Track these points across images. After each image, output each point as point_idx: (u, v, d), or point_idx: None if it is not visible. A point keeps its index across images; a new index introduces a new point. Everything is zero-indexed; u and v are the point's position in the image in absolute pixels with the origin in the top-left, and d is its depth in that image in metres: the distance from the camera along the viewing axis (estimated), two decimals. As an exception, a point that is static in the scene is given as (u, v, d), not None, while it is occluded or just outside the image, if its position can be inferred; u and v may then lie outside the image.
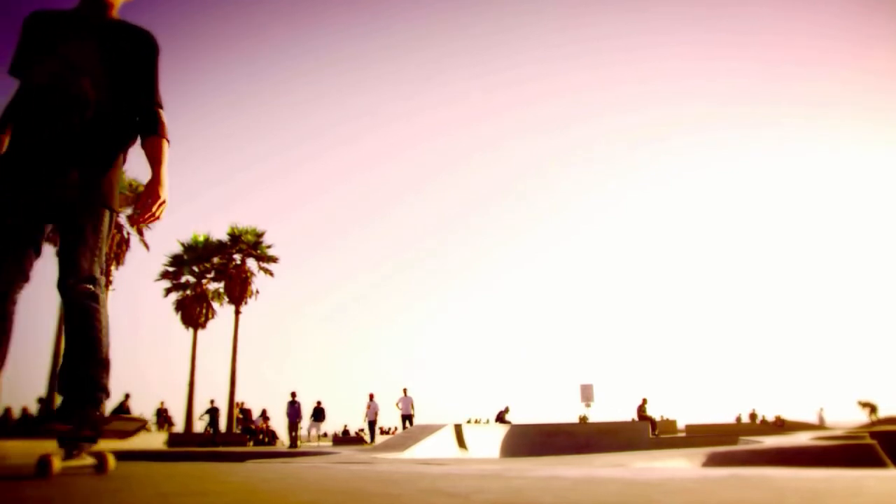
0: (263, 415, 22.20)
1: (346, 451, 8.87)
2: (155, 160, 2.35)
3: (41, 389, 20.47)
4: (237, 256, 27.60)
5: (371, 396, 20.56)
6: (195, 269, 28.10)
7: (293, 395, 19.67)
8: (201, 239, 27.69)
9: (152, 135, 2.36)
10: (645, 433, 17.56)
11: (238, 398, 24.93)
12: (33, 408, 21.04)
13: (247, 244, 27.41)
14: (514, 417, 22.86)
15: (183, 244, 27.65)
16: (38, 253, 2.32)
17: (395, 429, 30.45)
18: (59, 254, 2.25)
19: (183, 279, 27.94)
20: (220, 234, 27.82)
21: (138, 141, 2.42)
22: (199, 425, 22.74)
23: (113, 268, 22.88)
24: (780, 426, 27.39)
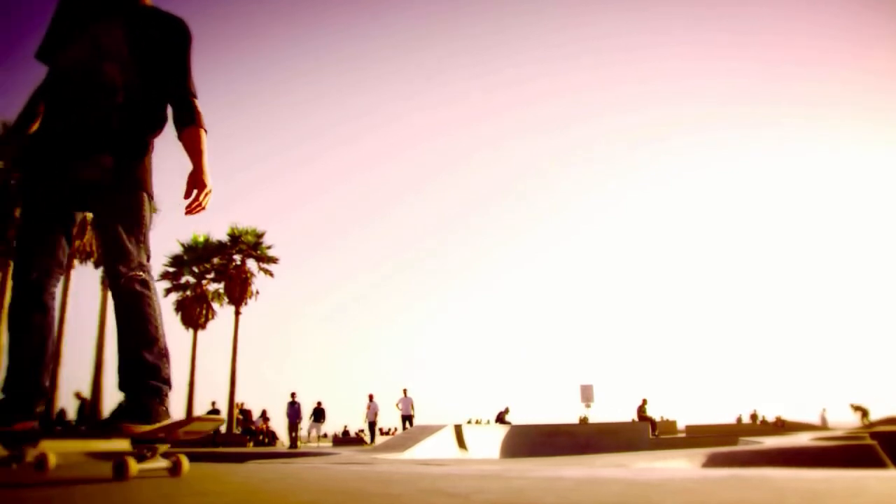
0: (263, 415, 22.19)
1: (347, 452, 8.87)
2: (195, 150, 2.29)
3: (41, 390, 20.48)
4: (237, 257, 27.58)
5: (371, 397, 20.56)
6: (195, 269, 28.08)
7: (293, 395, 19.66)
8: (201, 239, 27.67)
9: (190, 125, 2.31)
10: (645, 434, 17.56)
11: (238, 399, 24.92)
12: (33, 408, 21.07)
13: (247, 245, 27.39)
14: (515, 418, 22.86)
15: (183, 245, 27.64)
16: (69, 242, 2.27)
17: (396, 429, 30.43)
18: (104, 242, 2.18)
19: (183, 280, 27.92)
20: (220, 234, 27.81)
21: (164, 131, 2.38)
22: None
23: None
24: (781, 427, 27.37)
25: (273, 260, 27.94)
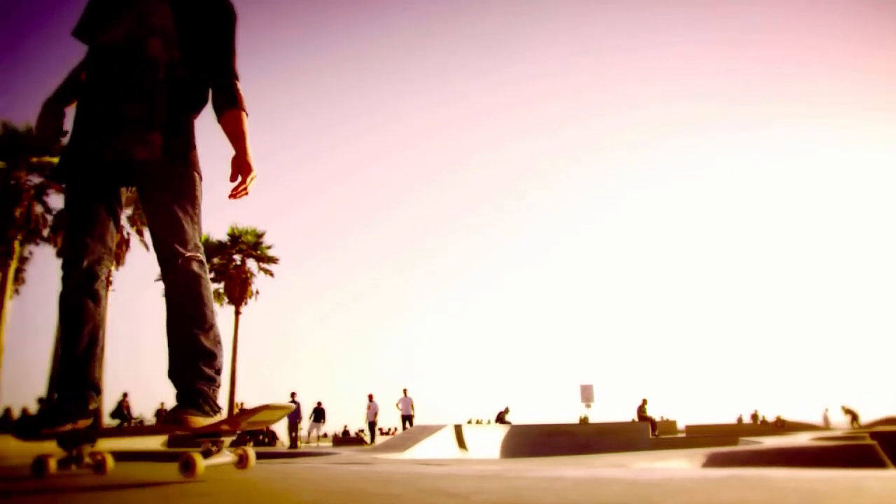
0: (263, 415, 22.17)
1: (347, 452, 8.87)
2: (238, 133, 2.24)
3: (41, 389, 20.49)
4: (237, 257, 27.59)
5: (371, 397, 20.57)
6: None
7: (293, 395, 19.67)
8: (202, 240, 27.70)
9: (232, 107, 2.25)
10: (645, 434, 17.56)
11: (238, 398, 24.94)
12: (33, 408, 21.07)
13: (247, 245, 27.40)
14: (515, 418, 22.86)
15: (183, 244, 27.67)
16: (117, 226, 2.19)
17: (395, 429, 30.43)
18: (158, 222, 2.09)
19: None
20: (220, 234, 27.81)
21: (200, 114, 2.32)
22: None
23: (113, 268, 22.87)
24: (780, 427, 27.39)
25: (273, 260, 27.97)
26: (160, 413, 23.01)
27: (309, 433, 22.54)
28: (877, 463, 7.67)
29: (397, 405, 19.93)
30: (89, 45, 2.26)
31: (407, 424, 19.21)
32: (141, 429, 2.10)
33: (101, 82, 2.14)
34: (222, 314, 28.03)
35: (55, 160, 20.56)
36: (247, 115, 2.28)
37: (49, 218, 21.20)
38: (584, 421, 24.66)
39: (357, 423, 27.60)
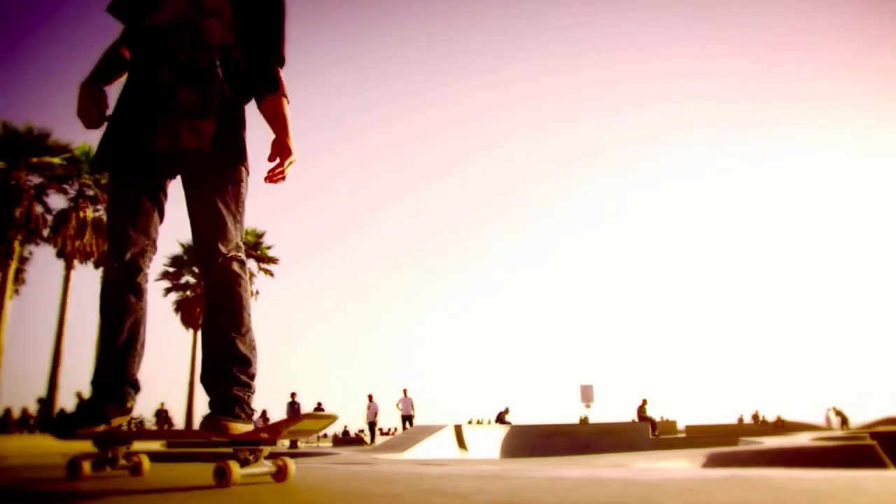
0: (263, 415, 22.17)
1: (347, 452, 8.87)
2: (280, 117, 2.15)
3: (41, 389, 20.50)
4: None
5: (371, 397, 20.56)
6: (195, 269, 28.08)
7: (293, 395, 19.66)
8: (201, 239, 27.70)
9: (274, 92, 2.16)
10: (645, 434, 17.55)
11: (238, 399, 24.91)
12: (33, 408, 21.08)
13: (246, 245, 27.35)
14: (515, 418, 22.85)
15: (183, 244, 27.61)
16: (162, 216, 2.09)
17: (395, 430, 30.43)
18: (200, 217, 2.00)
19: (183, 279, 27.94)
20: (220, 234, 27.77)
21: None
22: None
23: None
24: (781, 427, 27.38)
25: (273, 260, 28.00)
26: (160, 413, 23.03)
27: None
28: (877, 463, 7.67)
29: (397, 405, 19.93)
30: (129, 24, 2.15)
31: (407, 424, 19.20)
32: (179, 432, 2.05)
33: (149, 64, 2.02)
34: (222, 314, 28.05)
35: (55, 160, 20.61)
36: (288, 101, 2.20)
37: (49, 218, 21.21)
38: (584, 421, 24.65)
39: (357, 424, 27.64)
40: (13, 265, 20.04)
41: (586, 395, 26.72)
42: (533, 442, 16.49)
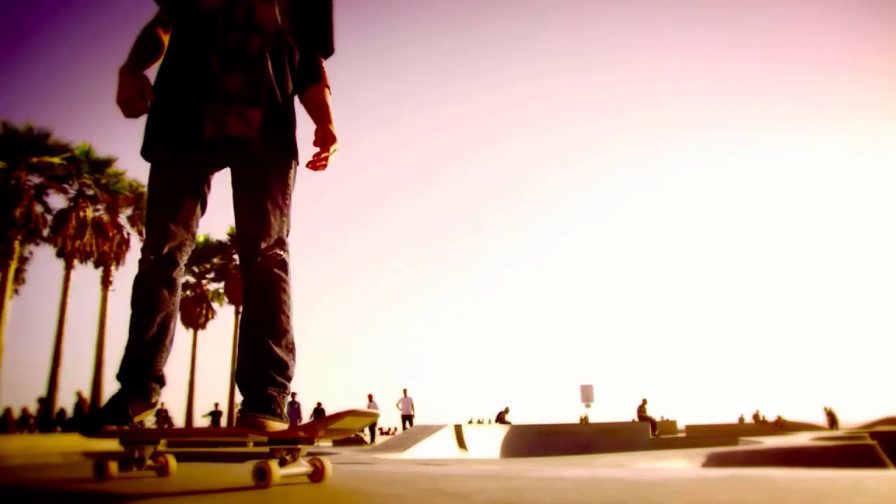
0: (263, 415, 22.16)
1: (347, 452, 8.87)
2: (322, 106, 2.10)
3: (41, 389, 20.49)
4: (237, 257, 27.61)
5: (370, 397, 20.55)
6: (195, 269, 28.12)
7: (293, 395, 19.67)
8: (201, 239, 27.67)
9: (317, 82, 2.12)
10: (645, 434, 17.55)
11: (238, 399, 24.90)
12: (33, 408, 21.06)
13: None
14: (515, 418, 22.86)
15: (183, 244, 27.67)
16: (204, 209, 2.02)
17: (395, 429, 30.43)
18: (243, 211, 1.93)
19: (182, 280, 27.96)
20: (220, 234, 27.86)
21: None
22: (200, 425, 22.75)
23: (113, 268, 22.87)
24: (780, 427, 27.36)
25: (273, 260, 27.96)
26: (160, 413, 22.99)
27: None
28: (877, 463, 7.66)
29: (397, 405, 19.93)
30: (178, 6, 2.04)
31: (407, 424, 19.20)
32: (210, 430, 2.00)
33: (195, 48, 1.93)
34: (222, 314, 28.13)
35: (55, 160, 20.59)
36: (330, 92, 2.14)
37: (49, 218, 21.21)
38: (584, 421, 24.65)
39: (357, 423, 27.57)
40: (13, 265, 20.03)
41: (586, 394, 26.71)
42: (533, 442, 16.49)
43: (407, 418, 19.58)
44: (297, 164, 2.04)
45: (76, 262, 21.85)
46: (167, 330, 1.95)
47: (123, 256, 23.31)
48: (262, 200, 1.91)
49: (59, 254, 21.45)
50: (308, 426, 1.69)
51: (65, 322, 21.05)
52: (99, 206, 22.42)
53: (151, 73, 2.03)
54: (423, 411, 20.92)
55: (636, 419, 21.03)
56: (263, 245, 1.89)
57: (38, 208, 20.86)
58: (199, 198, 1.99)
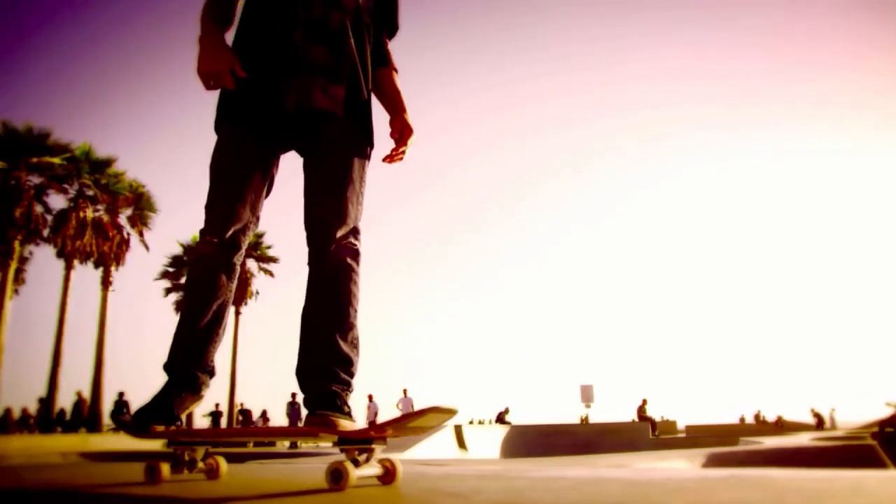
0: (263, 415, 22.16)
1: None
2: (394, 91, 2.03)
3: (41, 389, 20.48)
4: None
5: (370, 397, 20.55)
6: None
7: (293, 395, 19.65)
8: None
9: (384, 66, 2.04)
10: (645, 434, 17.56)
11: (238, 399, 24.91)
12: (33, 408, 21.06)
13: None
14: (515, 418, 22.88)
15: (183, 245, 27.59)
16: (270, 189, 1.90)
17: (395, 429, 30.38)
18: (317, 194, 1.81)
19: (183, 280, 27.92)
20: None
21: None
22: (200, 425, 22.74)
23: (113, 268, 22.85)
24: (780, 427, 27.37)
25: (273, 260, 27.96)
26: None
27: (309, 433, 22.51)
28: (877, 463, 7.67)
29: (397, 405, 19.93)
30: None
31: (407, 424, 19.20)
32: (273, 430, 1.86)
33: (277, 19, 1.83)
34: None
35: (55, 160, 20.57)
36: (398, 74, 2.07)
37: (49, 218, 21.19)
38: (584, 421, 24.65)
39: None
40: (13, 265, 20.01)
41: (586, 395, 26.70)
42: (533, 442, 16.49)
43: (407, 418, 19.58)
44: (373, 150, 1.94)
45: (76, 262, 21.82)
46: (222, 318, 1.84)
47: (123, 257, 23.28)
48: (343, 184, 1.78)
49: (59, 254, 21.44)
50: (379, 426, 1.58)
51: (65, 322, 21.04)
52: (99, 207, 22.41)
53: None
54: (423, 411, 20.89)
55: (636, 419, 21.04)
56: (339, 233, 1.76)
57: (38, 208, 20.84)
58: (267, 178, 1.87)
